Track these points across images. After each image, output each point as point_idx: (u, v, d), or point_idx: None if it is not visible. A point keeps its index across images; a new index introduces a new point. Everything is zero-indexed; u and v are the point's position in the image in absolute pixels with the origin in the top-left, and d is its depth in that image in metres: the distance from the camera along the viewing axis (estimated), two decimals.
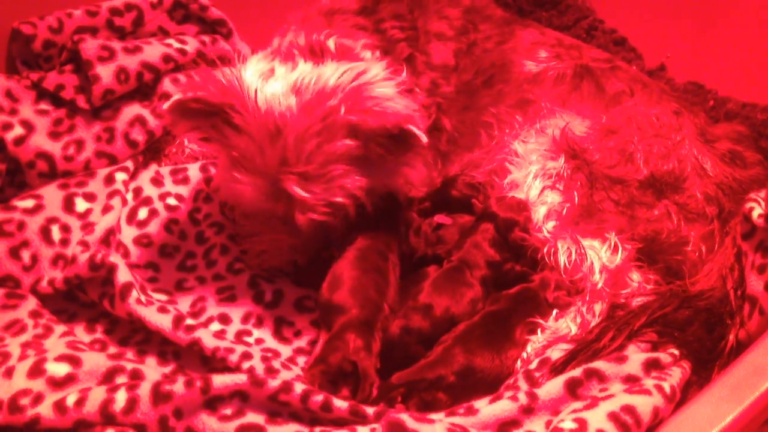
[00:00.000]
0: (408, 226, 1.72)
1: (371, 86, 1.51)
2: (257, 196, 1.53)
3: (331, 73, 1.53)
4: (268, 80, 1.54)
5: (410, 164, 1.67)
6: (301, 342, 1.63)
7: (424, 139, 1.48)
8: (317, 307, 1.62)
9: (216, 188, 1.79)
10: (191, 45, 1.96)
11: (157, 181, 1.84)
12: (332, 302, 1.53)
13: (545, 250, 1.58)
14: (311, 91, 1.50)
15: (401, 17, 1.77)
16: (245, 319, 1.65)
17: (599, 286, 1.55)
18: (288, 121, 1.48)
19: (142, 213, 1.78)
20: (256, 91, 1.50)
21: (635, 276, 1.57)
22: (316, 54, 1.61)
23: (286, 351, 1.61)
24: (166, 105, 1.50)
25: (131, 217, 1.77)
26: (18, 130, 1.76)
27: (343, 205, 1.54)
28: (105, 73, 1.80)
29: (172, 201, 1.82)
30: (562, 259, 1.57)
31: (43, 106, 1.82)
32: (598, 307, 1.54)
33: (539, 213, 1.59)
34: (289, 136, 1.47)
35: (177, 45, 1.94)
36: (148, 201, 1.80)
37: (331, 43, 1.63)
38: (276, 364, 1.53)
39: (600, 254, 1.56)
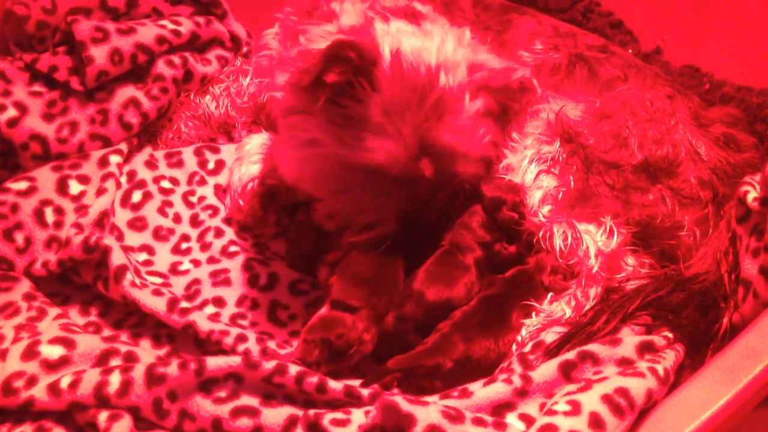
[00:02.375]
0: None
1: (477, 51, 1.56)
2: (395, 159, 1.47)
3: (450, 41, 1.53)
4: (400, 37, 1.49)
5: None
6: (296, 325, 1.63)
7: (539, 90, 1.62)
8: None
9: (298, 174, 1.63)
10: (186, 26, 1.95)
11: (151, 164, 1.83)
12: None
13: (541, 234, 1.58)
14: (442, 53, 1.49)
15: (445, 6, 1.76)
16: (240, 303, 1.65)
17: (594, 270, 1.54)
18: (434, 79, 1.46)
19: (136, 196, 1.78)
20: (398, 48, 1.45)
21: (630, 260, 1.57)
22: (411, 17, 1.59)
23: (281, 334, 1.61)
24: (321, 45, 1.43)
25: (125, 200, 1.76)
26: (11, 112, 1.75)
27: (491, 160, 1.59)
28: (99, 54, 1.78)
29: (166, 184, 1.81)
30: (558, 243, 1.56)
31: (37, 87, 1.81)
32: (592, 291, 1.54)
33: (535, 197, 1.59)
34: (437, 92, 1.46)
35: (171, 26, 1.92)
36: (142, 184, 1.79)
37: (418, 6, 1.63)
38: (271, 345, 1.53)
39: (595, 238, 1.55)
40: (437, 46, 1.49)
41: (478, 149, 1.55)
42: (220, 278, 1.68)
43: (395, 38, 1.48)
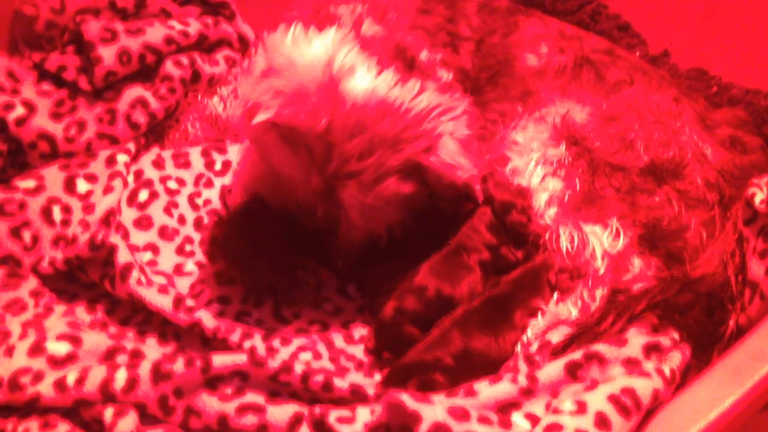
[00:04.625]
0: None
1: (451, 132, 1.46)
2: (306, 191, 1.47)
3: (425, 104, 1.45)
4: (353, 77, 1.43)
5: None
6: (302, 323, 1.63)
7: (481, 197, 1.53)
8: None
9: (254, 180, 1.68)
10: (194, 27, 1.96)
11: (158, 164, 1.83)
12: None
13: (547, 236, 1.58)
14: (403, 120, 1.43)
15: (450, 20, 1.75)
16: (245, 300, 1.64)
17: (601, 271, 1.55)
18: (375, 145, 1.41)
19: (143, 195, 1.77)
20: (346, 97, 1.40)
21: (636, 261, 1.56)
22: (405, 62, 1.52)
23: (287, 331, 1.60)
24: (255, 121, 1.41)
25: (132, 199, 1.76)
26: (19, 111, 1.75)
27: (380, 237, 1.55)
28: (107, 54, 1.79)
29: (172, 184, 1.82)
30: (564, 244, 1.56)
31: (45, 86, 1.82)
32: (599, 292, 1.54)
33: (541, 200, 1.59)
34: (372, 161, 1.41)
35: (179, 27, 1.93)
36: (148, 183, 1.79)
37: (423, 56, 1.56)
38: (276, 343, 1.54)
39: (602, 240, 1.55)
40: (401, 107, 1.43)
41: (368, 224, 1.50)
42: (224, 278, 1.68)
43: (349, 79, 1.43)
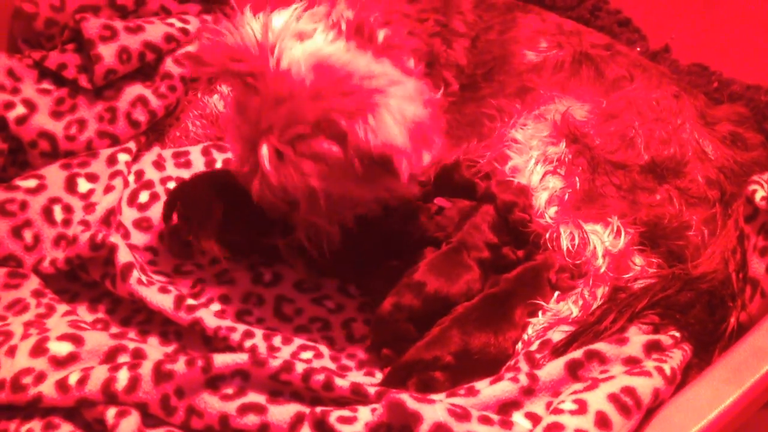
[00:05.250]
0: (405, 209, 1.71)
1: (389, 105, 1.40)
2: (240, 146, 1.50)
3: (363, 68, 1.45)
4: (303, 41, 1.47)
5: (390, 188, 1.58)
6: (302, 319, 1.64)
7: (404, 178, 1.37)
8: None
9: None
10: (193, 24, 1.95)
11: (159, 164, 1.83)
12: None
13: (548, 235, 1.58)
14: (333, 77, 1.43)
15: (438, 10, 1.74)
16: (245, 299, 1.65)
17: (602, 270, 1.55)
18: (295, 94, 1.41)
19: (143, 196, 1.77)
20: (281, 54, 1.43)
21: (638, 260, 1.57)
22: (363, 37, 1.53)
23: (287, 329, 1.61)
24: (179, 52, 1.49)
25: (132, 200, 1.76)
26: (20, 110, 1.75)
27: (296, 201, 1.49)
28: (107, 52, 1.79)
29: (173, 185, 1.81)
30: (565, 243, 1.57)
31: (45, 85, 1.82)
32: (600, 291, 1.55)
33: (541, 198, 1.59)
34: (288, 109, 1.41)
35: (179, 24, 1.93)
36: (149, 185, 1.79)
37: (381, 34, 1.55)
38: (277, 342, 1.54)
39: (603, 238, 1.56)
40: (335, 72, 1.44)
41: (287, 181, 1.44)
42: (224, 278, 1.68)
43: (295, 44, 1.46)
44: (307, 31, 1.49)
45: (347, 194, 1.52)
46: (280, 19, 1.50)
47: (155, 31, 1.88)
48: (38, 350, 1.38)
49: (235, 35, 1.47)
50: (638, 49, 2.09)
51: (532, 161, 1.63)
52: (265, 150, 1.42)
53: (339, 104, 1.40)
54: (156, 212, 1.74)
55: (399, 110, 1.40)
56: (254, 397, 1.34)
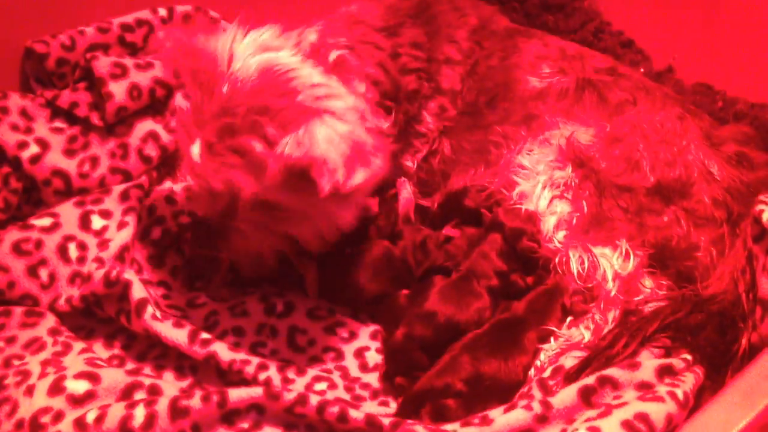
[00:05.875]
0: (414, 238, 1.73)
1: (322, 119, 1.40)
2: (182, 141, 1.51)
3: (305, 78, 1.47)
4: (258, 53, 1.49)
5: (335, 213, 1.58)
6: (315, 350, 1.65)
7: (324, 191, 1.34)
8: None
9: None
10: None
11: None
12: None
13: (557, 259, 1.59)
14: (274, 80, 1.45)
15: (419, 46, 1.75)
16: (259, 331, 1.66)
17: (612, 293, 1.56)
18: (235, 91, 1.44)
19: (156, 232, 1.79)
20: (233, 56, 1.46)
21: (648, 282, 1.57)
22: (318, 55, 1.56)
23: (301, 360, 1.62)
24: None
25: (144, 235, 1.78)
26: (33, 149, 1.78)
27: (217, 195, 1.48)
28: (118, 90, 1.82)
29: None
30: (575, 267, 1.57)
31: (58, 123, 1.84)
32: (611, 314, 1.55)
33: (549, 223, 1.60)
34: (222, 103, 1.43)
35: None
36: (162, 221, 1.81)
37: (333, 55, 1.58)
38: (291, 374, 1.55)
39: (612, 261, 1.56)
40: (278, 76, 1.45)
41: (209, 175, 1.45)
42: (237, 310, 1.69)
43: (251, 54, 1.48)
44: (272, 46, 1.52)
45: (273, 203, 1.51)
46: (249, 32, 1.53)
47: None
48: (56, 389, 1.40)
49: (207, 41, 1.50)
50: (642, 69, 2.11)
51: (539, 186, 1.64)
52: (197, 142, 1.44)
53: (273, 108, 1.41)
54: (168, 249, 1.77)
55: (332, 124, 1.40)
56: (270, 430, 1.35)
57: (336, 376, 1.58)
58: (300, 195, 1.47)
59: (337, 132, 1.39)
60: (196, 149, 1.44)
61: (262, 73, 1.45)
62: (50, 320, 1.60)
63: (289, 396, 1.35)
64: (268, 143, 1.40)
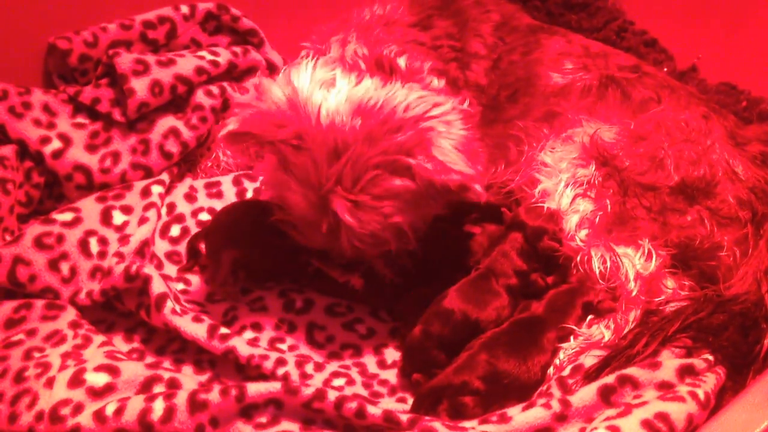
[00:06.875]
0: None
1: (440, 132, 1.45)
2: (306, 208, 1.49)
3: (402, 99, 1.48)
4: (330, 91, 1.49)
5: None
6: (334, 346, 1.65)
7: (483, 198, 1.44)
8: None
9: (266, 186, 1.77)
10: (223, 57, 1.99)
11: (190, 196, 1.86)
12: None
13: (579, 258, 1.58)
14: (378, 116, 1.45)
15: (452, 36, 1.76)
16: (277, 326, 1.67)
17: (634, 293, 1.54)
18: (350, 143, 1.43)
19: (175, 230, 1.81)
20: (320, 108, 1.45)
21: (669, 282, 1.56)
22: (384, 70, 1.58)
23: (319, 355, 1.63)
24: (220, 134, 1.48)
25: (164, 232, 1.80)
26: (56, 144, 1.80)
27: (387, 240, 1.51)
28: (140, 86, 1.83)
29: (204, 216, 1.84)
30: (597, 267, 1.56)
31: (80, 119, 1.86)
32: (632, 314, 1.54)
33: (571, 222, 1.59)
34: (348, 159, 1.43)
35: (209, 57, 1.97)
36: (180, 218, 1.83)
37: (401, 62, 1.60)
38: (309, 369, 1.55)
39: (634, 261, 1.55)
40: (379, 110, 1.46)
41: (372, 227, 1.47)
42: (256, 305, 1.70)
43: (326, 94, 1.48)
44: (328, 78, 1.52)
45: (428, 214, 1.57)
46: (299, 74, 1.52)
47: (186, 64, 1.91)
48: (76, 381, 1.41)
49: (268, 102, 1.49)
50: (665, 69, 2.09)
51: (561, 184, 1.63)
52: (339, 205, 1.44)
53: (394, 142, 1.43)
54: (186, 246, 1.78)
55: (448, 134, 1.45)
56: (287, 425, 1.35)
57: (354, 372, 1.58)
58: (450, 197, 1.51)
59: (456, 139, 1.46)
60: (343, 211, 1.43)
61: (360, 114, 1.45)
62: (71, 313, 1.61)
63: (308, 391, 1.36)
64: (409, 176, 1.44)
